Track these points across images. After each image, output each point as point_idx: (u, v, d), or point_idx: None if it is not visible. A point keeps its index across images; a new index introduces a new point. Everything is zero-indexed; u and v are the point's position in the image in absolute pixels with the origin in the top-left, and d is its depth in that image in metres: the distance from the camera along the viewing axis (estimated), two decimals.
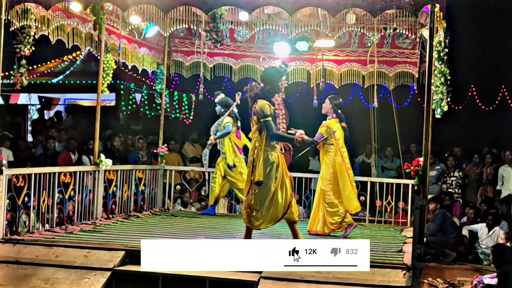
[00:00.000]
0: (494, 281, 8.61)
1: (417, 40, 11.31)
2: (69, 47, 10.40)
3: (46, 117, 19.22)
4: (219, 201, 11.92)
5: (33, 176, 8.80)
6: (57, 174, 9.36)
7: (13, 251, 8.03)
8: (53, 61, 18.29)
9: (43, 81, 17.64)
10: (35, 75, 17.37)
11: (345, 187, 9.47)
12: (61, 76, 17.64)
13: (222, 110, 11.41)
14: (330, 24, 9.98)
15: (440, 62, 9.19)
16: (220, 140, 11.39)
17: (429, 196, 12.15)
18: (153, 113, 17.56)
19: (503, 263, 8.56)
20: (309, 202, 11.70)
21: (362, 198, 11.38)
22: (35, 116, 19.76)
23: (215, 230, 9.89)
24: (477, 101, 17.19)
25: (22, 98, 19.53)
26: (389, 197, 11.62)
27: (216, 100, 11.52)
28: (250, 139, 8.52)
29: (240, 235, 9.52)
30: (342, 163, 9.48)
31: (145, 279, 7.58)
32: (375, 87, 11.49)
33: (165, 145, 12.64)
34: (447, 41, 9.06)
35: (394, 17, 9.35)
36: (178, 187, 12.66)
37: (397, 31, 10.86)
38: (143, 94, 18.03)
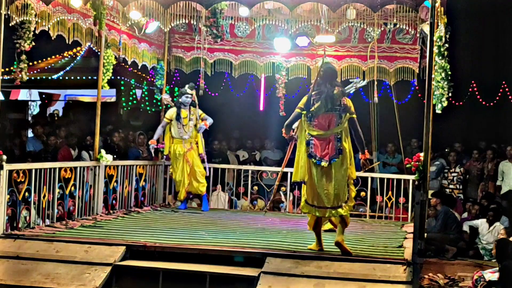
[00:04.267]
0: (495, 276, 8.60)
1: (418, 35, 11.29)
2: (69, 43, 10.38)
3: (47, 113, 19.19)
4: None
5: (33, 171, 8.79)
6: (57, 169, 9.35)
7: (13, 246, 8.02)
8: (53, 57, 18.29)
9: (44, 77, 17.65)
10: (35, 71, 17.38)
11: None
12: (62, 72, 17.65)
13: (191, 102, 11.64)
14: (331, 20, 9.97)
15: (440, 58, 9.17)
16: (191, 130, 11.64)
17: (430, 192, 12.18)
18: (153, 109, 17.55)
19: (505, 258, 8.56)
20: None
21: (362, 193, 11.43)
22: (36, 112, 19.74)
23: (216, 226, 9.89)
24: (478, 96, 17.18)
25: (23, 94, 19.52)
26: (390, 192, 11.63)
27: (193, 92, 11.67)
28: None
29: (241, 230, 9.54)
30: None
31: (146, 274, 7.60)
32: (376, 83, 11.52)
33: None
34: (447, 36, 9.04)
35: (395, 12, 9.31)
36: None
37: (398, 26, 10.88)
38: (144, 90, 18.04)
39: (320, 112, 7.91)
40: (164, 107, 12.59)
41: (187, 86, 11.80)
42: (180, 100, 11.65)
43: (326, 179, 7.85)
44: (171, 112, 11.71)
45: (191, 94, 11.66)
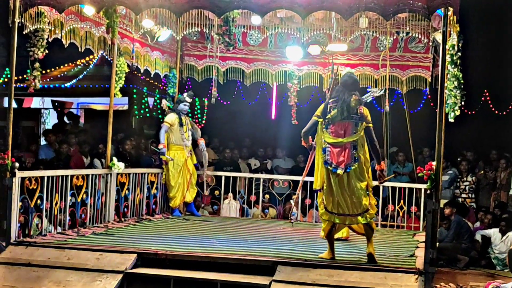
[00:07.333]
0: (509, 287, 8.53)
1: (430, 44, 11.27)
2: (82, 51, 10.41)
3: (66, 121, 19.16)
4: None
5: (45, 179, 8.83)
6: (69, 177, 9.38)
7: (25, 253, 8.05)
8: (66, 65, 18.34)
9: (56, 85, 17.69)
10: (48, 79, 17.41)
11: None
12: (74, 80, 17.69)
13: (188, 110, 12.03)
14: (343, 28, 9.98)
15: (453, 66, 9.15)
16: (190, 138, 12.04)
17: (443, 201, 12.12)
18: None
19: None
20: None
21: (374, 202, 11.38)
22: (48, 120, 19.76)
23: (227, 234, 9.88)
24: (491, 105, 17.08)
25: (36, 102, 19.58)
26: (402, 201, 11.60)
27: (191, 100, 12.03)
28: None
29: (252, 238, 9.53)
30: None
31: (157, 282, 7.60)
32: (388, 91, 11.49)
33: None
34: (460, 44, 9.02)
35: (407, 21, 9.32)
36: None
37: (410, 35, 10.87)
38: (156, 98, 18.05)
39: (336, 120, 7.94)
40: None
41: (185, 94, 11.96)
42: (178, 107, 11.79)
43: (343, 187, 7.86)
44: (173, 118, 11.78)
45: (189, 103, 11.84)
